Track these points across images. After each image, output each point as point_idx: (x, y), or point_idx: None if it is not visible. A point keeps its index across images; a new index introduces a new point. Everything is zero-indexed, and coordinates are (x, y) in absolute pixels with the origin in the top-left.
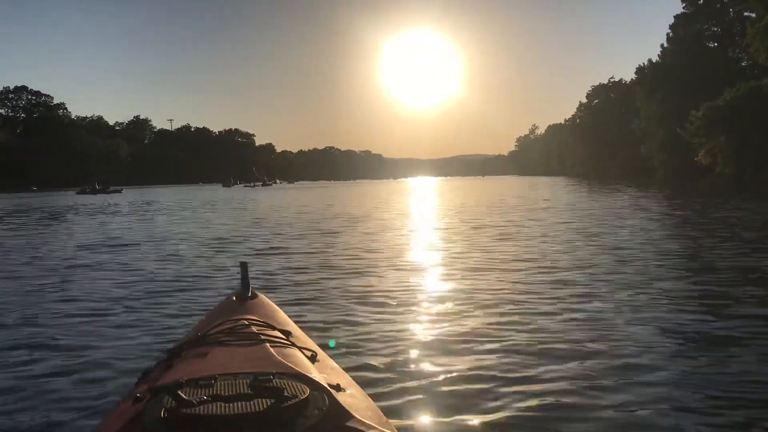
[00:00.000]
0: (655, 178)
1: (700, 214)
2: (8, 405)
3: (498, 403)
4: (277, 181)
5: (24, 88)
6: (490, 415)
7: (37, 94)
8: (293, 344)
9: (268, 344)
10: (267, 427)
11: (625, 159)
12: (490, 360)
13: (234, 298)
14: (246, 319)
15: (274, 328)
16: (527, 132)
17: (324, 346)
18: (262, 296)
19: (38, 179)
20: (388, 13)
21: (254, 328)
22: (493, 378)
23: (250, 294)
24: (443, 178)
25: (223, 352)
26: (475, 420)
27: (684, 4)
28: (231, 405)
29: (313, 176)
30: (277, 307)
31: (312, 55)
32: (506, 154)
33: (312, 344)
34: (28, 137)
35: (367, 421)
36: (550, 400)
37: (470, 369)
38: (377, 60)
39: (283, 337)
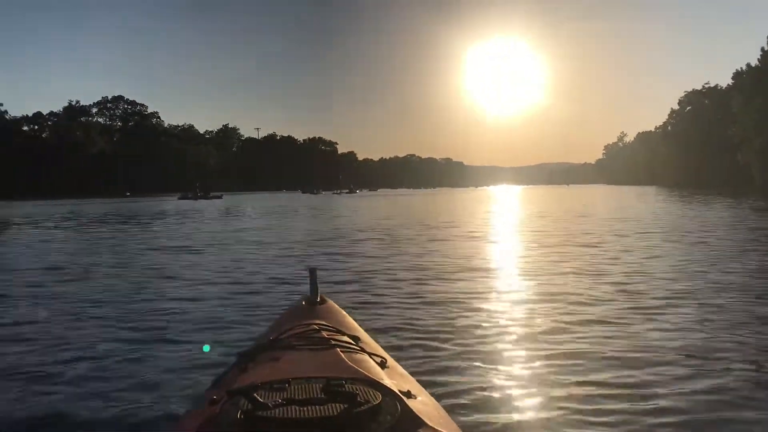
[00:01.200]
0: (752, 187)
1: None
2: (87, 405)
3: (571, 413)
4: (358, 189)
5: (121, 97)
6: (563, 426)
7: (133, 103)
8: (363, 350)
9: (338, 349)
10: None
11: (719, 167)
12: (563, 369)
13: (303, 303)
14: (316, 324)
15: (343, 334)
16: (615, 140)
17: (391, 352)
18: (330, 302)
19: (131, 185)
20: (472, 21)
21: (324, 333)
22: (565, 386)
23: (319, 299)
24: (526, 186)
25: (295, 356)
26: (546, 430)
27: None
28: (305, 409)
29: (393, 184)
30: (345, 313)
31: (394, 64)
32: (593, 163)
33: (381, 350)
34: (123, 145)
35: (439, 429)
36: (623, 407)
37: (543, 378)
38: (459, 67)
39: (353, 342)
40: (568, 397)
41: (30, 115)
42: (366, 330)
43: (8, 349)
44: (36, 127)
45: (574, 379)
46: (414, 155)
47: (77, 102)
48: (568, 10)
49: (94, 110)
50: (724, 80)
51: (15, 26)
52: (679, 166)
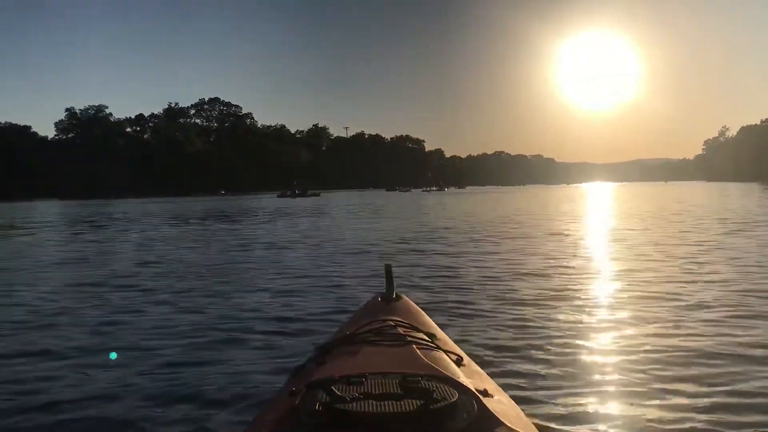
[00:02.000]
0: None
1: None
2: (166, 395)
3: (653, 417)
4: (447, 187)
5: (217, 99)
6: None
7: (228, 104)
8: (438, 347)
9: (414, 346)
10: (417, 428)
11: None
12: (651, 377)
13: (379, 299)
14: (392, 320)
15: (419, 330)
16: (716, 134)
17: (467, 350)
18: (405, 298)
19: (226, 184)
20: (564, 13)
21: (400, 330)
22: (652, 396)
23: (394, 296)
24: (621, 183)
25: (371, 351)
26: None
27: None
28: (382, 404)
29: (481, 181)
30: (420, 310)
31: (481, 59)
32: (691, 158)
33: (457, 348)
34: (219, 145)
35: (516, 429)
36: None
37: (628, 387)
38: (549, 61)
39: (429, 339)
40: (655, 408)
41: (133, 117)
42: (442, 328)
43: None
44: (138, 128)
45: (663, 389)
46: (503, 152)
47: (176, 104)
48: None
49: (192, 112)
50: None
51: (121, 32)
52: None
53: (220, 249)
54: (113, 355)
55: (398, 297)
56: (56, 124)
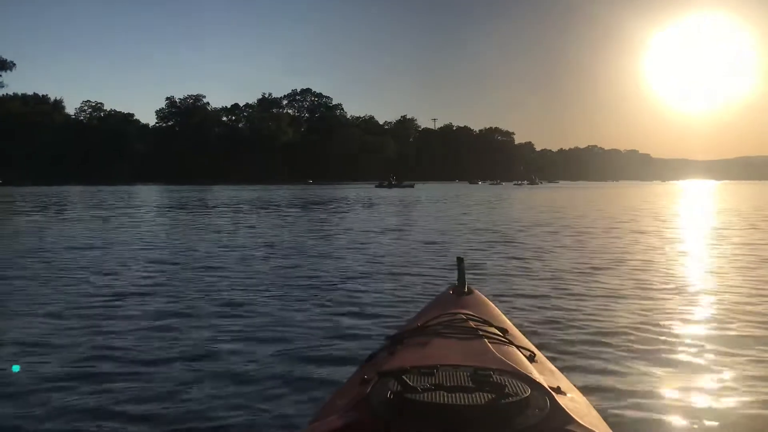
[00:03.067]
0: None
1: None
2: (240, 380)
3: (730, 415)
4: (540, 181)
5: (308, 90)
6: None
7: (319, 95)
8: (510, 342)
9: (486, 339)
10: (488, 422)
11: None
12: (731, 379)
13: (451, 292)
14: (463, 313)
15: (491, 325)
16: None
17: (540, 346)
18: (477, 292)
19: (314, 173)
20: (660, 1)
21: (471, 323)
22: (728, 398)
23: (466, 289)
24: (725, 182)
25: (442, 343)
26: None
27: None
28: (453, 395)
29: (573, 176)
30: (492, 304)
31: (572, 49)
32: None
33: (529, 344)
34: (309, 135)
35: (589, 427)
36: None
37: (706, 387)
38: (645, 50)
39: (500, 334)
40: (730, 411)
41: (228, 106)
42: (514, 323)
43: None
44: (233, 117)
45: (742, 390)
46: (596, 146)
47: (269, 94)
48: None
49: (285, 102)
50: None
51: (216, 23)
52: None
53: (307, 237)
54: (16, 368)
55: (470, 290)
56: (157, 112)
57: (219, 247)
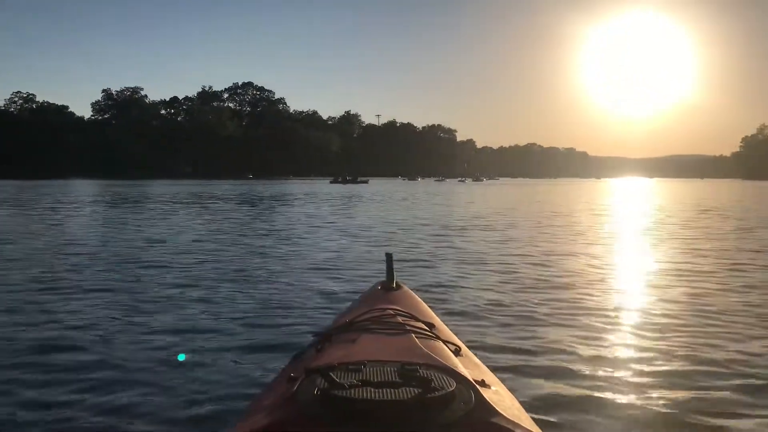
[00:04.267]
0: None
1: None
2: (166, 381)
3: (652, 420)
4: (484, 177)
5: (250, 84)
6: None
7: (261, 89)
8: (437, 337)
9: (413, 335)
10: (414, 416)
11: None
12: (651, 371)
13: (379, 287)
14: (391, 309)
15: (418, 320)
16: (755, 131)
17: (465, 340)
18: (406, 287)
19: (255, 168)
20: (598, 4)
21: (399, 319)
22: (652, 390)
23: (395, 285)
24: (658, 179)
25: (370, 339)
26: (622, 428)
27: None
28: (380, 391)
29: (513, 173)
30: (420, 299)
31: (512, 48)
32: (728, 155)
33: (455, 338)
34: (251, 129)
35: (512, 420)
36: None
37: (627, 379)
38: (584, 50)
39: (428, 329)
40: (654, 401)
41: (167, 99)
42: (441, 318)
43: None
44: (172, 111)
45: (665, 384)
46: (535, 144)
47: (210, 87)
48: None
49: (225, 95)
50: None
51: (156, 14)
52: None
53: (233, 236)
54: (181, 356)
55: (398, 286)
56: (93, 105)
57: (147, 243)
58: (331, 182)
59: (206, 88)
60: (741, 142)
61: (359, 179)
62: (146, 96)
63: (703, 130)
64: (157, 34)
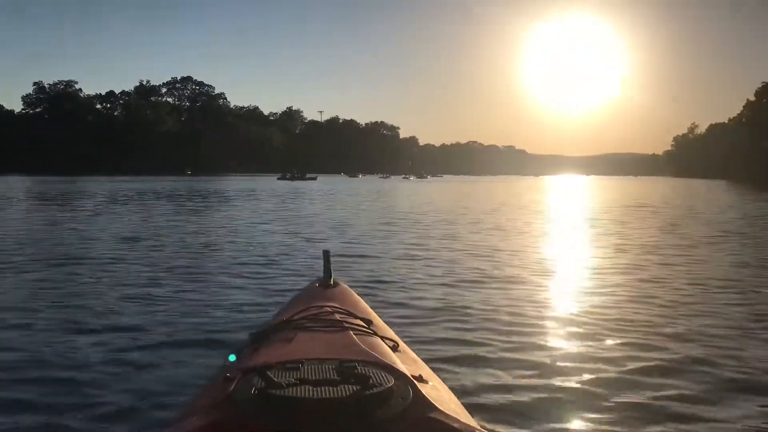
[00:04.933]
0: None
1: None
2: (99, 381)
3: (583, 404)
4: (428, 175)
5: (189, 78)
6: (573, 416)
7: (201, 84)
8: (375, 333)
9: (351, 332)
10: (353, 413)
11: None
12: (582, 361)
13: (317, 285)
14: (329, 306)
15: (356, 317)
16: (685, 131)
17: (403, 336)
18: (343, 284)
19: (194, 164)
20: (539, 3)
21: (337, 316)
22: (583, 378)
23: (332, 282)
24: (593, 177)
25: (308, 337)
26: (556, 419)
27: None
28: (318, 389)
29: (454, 170)
30: (358, 296)
31: (456, 46)
32: (660, 154)
33: (393, 334)
34: (190, 125)
35: (450, 414)
36: (629, 400)
37: (560, 370)
38: (524, 50)
39: (365, 325)
40: (584, 390)
41: (103, 93)
42: (379, 314)
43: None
44: (108, 105)
45: (594, 372)
46: (476, 142)
47: (148, 82)
48: None
49: (164, 90)
50: None
51: (89, 6)
52: (754, 160)
53: (169, 232)
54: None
55: (336, 283)
56: (24, 98)
57: (77, 241)
58: (278, 179)
59: (144, 83)
60: (672, 141)
61: (308, 176)
62: (81, 90)
63: (637, 129)
64: (93, 27)
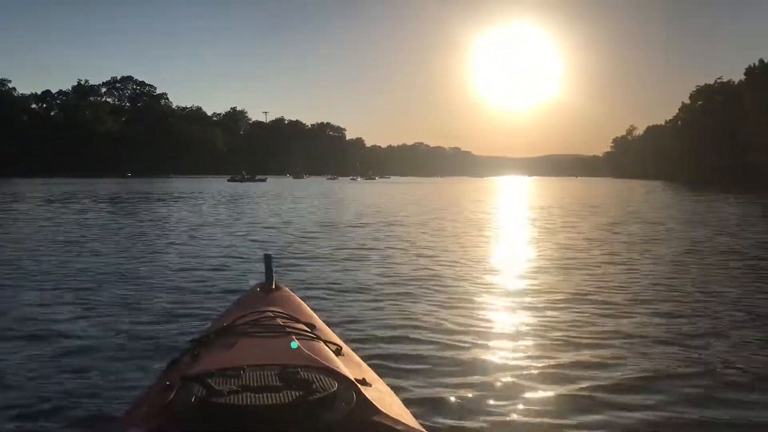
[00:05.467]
0: (763, 185)
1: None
2: (36, 391)
3: (523, 403)
4: (376, 176)
5: (130, 78)
6: (514, 415)
7: (142, 84)
8: (318, 337)
9: (293, 336)
10: (295, 419)
11: (730, 164)
12: (520, 363)
13: (258, 289)
14: (271, 311)
15: (298, 321)
16: (624, 133)
17: (346, 339)
18: (285, 288)
19: (135, 166)
20: (484, 6)
21: (279, 321)
22: (519, 377)
23: (274, 286)
24: (536, 177)
25: (249, 343)
26: (499, 419)
27: None
28: (260, 396)
29: (401, 172)
30: (300, 300)
31: (402, 50)
32: (601, 155)
33: (336, 338)
34: (131, 125)
35: (394, 416)
36: (575, 396)
37: (499, 371)
38: (469, 54)
39: (308, 330)
40: (524, 387)
41: (39, 93)
42: (322, 318)
43: None
44: (44, 105)
45: (532, 368)
46: (422, 143)
47: (86, 81)
48: None
49: (103, 90)
50: (737, 75)
51: (22, 3)
52: (688, 161)
53: (109, 235)
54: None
55: (278, 287)
56: None
57: (5, 244)
58: (228, 180)
59: (82, 82)
60: (612, 143)
61: (257, 177)
62: (14, 89)
63: (579, 131)
64: (26, 24)
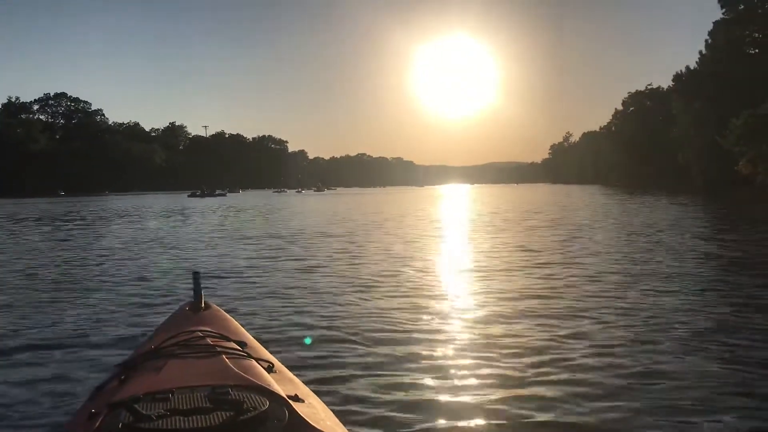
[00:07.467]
0: (692, 187)
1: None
2: None
3: (459, 414)
4: (326, 188)
5: (63, 94)
6: (448, 424)
7: (76, 100)
8: (249, 355)
9: (224, 356)
10: None
11: (661, 167)
12: (450, 367)
13: (187, 308)
14: (200, 331)
15: (229, 340)
16: (561, 139)
17: (278, 356)
18: (215, 307)
19: (71, 183)
20: (423, 19)
21: (209, 340)
22: (453, 383)
23: (203, 305)
24: (477, 185)
25: (178, 364)
26: (432, 429)
27: (724, 10)
28: (189, 419)
29: (344, 183)
30: (230, 318)
31: (342, 61)
32: (539, 162)
33: (268, 355)
34: (66, 143)
35: (326, 431)
36: (522, 402)
37: (434, 382)
38: (409, 65)
39: (239, 348)
40: (459, 395)
41: None
42: (253, 335)
43: None
44: None
45: (468, 377)
46: (365, 154)
47: (17, 99)
48: (520, 9)
49: (36, 107)
50: (667, 81)
51: None
52: (622, 165)
53: (37, 256)
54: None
55: (207, 306)
56: None
57: None
58: (189, 196)
59: (13, 99)
60: (550, 150)
61: (217, 192)
62: None
63: (518, 139)
64: None
